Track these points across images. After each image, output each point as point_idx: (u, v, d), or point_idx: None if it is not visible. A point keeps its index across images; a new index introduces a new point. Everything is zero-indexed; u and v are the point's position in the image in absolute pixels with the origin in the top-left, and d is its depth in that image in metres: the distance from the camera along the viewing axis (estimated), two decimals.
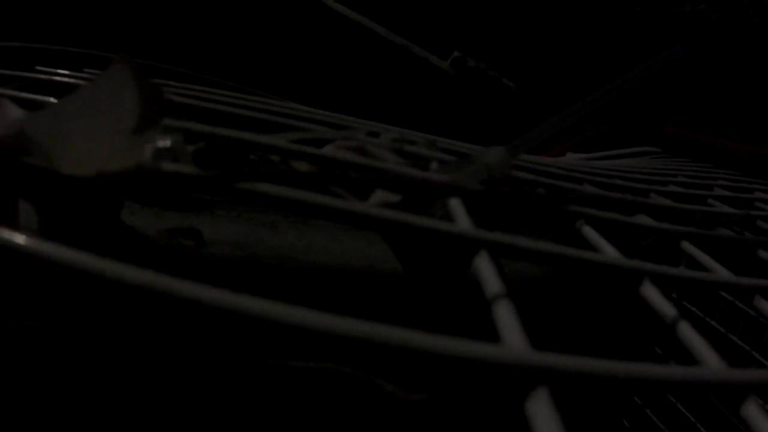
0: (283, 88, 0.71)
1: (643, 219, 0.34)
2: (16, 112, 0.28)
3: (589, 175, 0.39)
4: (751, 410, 0.18)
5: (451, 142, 0.38)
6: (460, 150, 0.36)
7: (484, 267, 0.20)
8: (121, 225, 0.36)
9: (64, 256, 0.17)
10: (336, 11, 1.04)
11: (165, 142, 0.25)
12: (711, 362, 0.21)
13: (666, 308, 0.24)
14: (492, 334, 0.18)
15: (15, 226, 0.28)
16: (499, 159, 0.26)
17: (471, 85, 1.04)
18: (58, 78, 0.41)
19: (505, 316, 0.18)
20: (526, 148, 0.28)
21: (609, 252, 0.26)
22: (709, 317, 0.66)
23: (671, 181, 0.48)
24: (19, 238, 0.17)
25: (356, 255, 0.51)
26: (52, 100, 0.33)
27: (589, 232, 0.27)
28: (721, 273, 0.30)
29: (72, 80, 0.40)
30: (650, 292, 0.24)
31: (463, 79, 1.03)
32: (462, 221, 0.22)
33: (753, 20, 1.20)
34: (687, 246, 0.33)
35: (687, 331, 0.23)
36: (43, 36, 0.53)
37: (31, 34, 0.53)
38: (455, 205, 0.23)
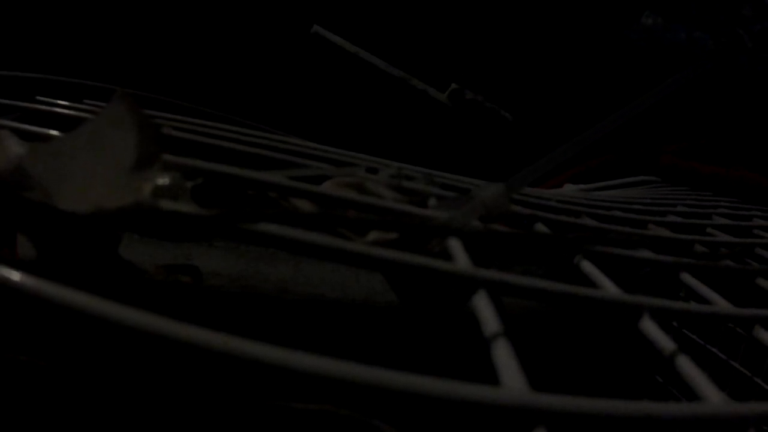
0: (281, 120, 0.72)
1: (642, 252, 0.34)
2: (16, 147, 0.28)
3: (588, 208, 0.39)
4: None
5: (449, 176, 0.38)
6: (459, 185, 0.36)
7: (482, 306, 0.20)
8: (119, 259, 0.36)
9: (64, 297, 0.17)
10: (333, 43, 1.04)
11: (164, 180, 0.25)
12: (711, 397, 0.21)
13: (665, 343, 0.24)
14: (491, 369, 0.18)
15: (14, 256, 0.28)
16: (496, 195, 0.26)
17: (469, 117, 1.04)
18: (58, 109, 0.41)
19: (504, 356, 0.18)
20: (524, 183, 0.28)
21: (608, 287, 0.26)
22: (710, 344, 0.65)
23: (670, 211, 0.49)
24: (17, 276, 0.17)
25: (355, 287, 0.51)
26: (52, 132, 0.34)
27: (587, 266, 0.27)
28: (721, 304, 0.30)
29: (72, 112, 0.40)
30: (649, 328, 0.25)
31: (461, 111, 1.04)
32: (460, 259, 0.22)
33: (748, 45, 1.20)
34: (686, 277, 0.33)
35: (687, 366, 0.23)
36: (43, 65, 0.54)
37: (31, 63, 0.53)
38: (453, 242, 0.23)
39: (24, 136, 0.31)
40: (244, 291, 0.48)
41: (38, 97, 0.45)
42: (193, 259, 0.49)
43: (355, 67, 1.06)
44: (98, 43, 1.10)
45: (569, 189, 0.61)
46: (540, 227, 0.30)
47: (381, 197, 0.28)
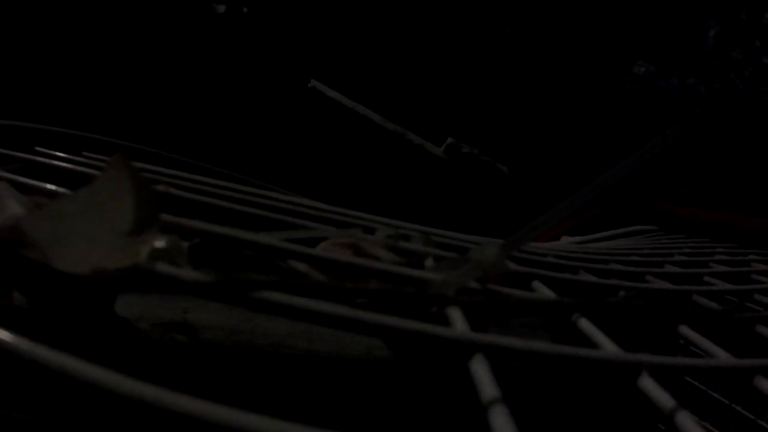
0: (277, 173, 0.72)
1: (640, 304, 0.34)
2: (14, 205, 0.29)
3: (585, 262, 0.39)
4: None
5: (446, 234, 0.38)
6: (456, 243, 0.36)
7: (480, 371, 0.21)
8: (114, 316, 0.35)
9: (58, 362, 0.17)
10: (331, 98, 1.06)
11: (161, 242, 0.25)
12: None
13: (665, 400, 0.24)
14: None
15: (9, 302, 0.28)
16: (494, 257, 0.26)
17: (465, 171, 1.05)
18: (56, 162, 0.41)
19: (501, 424, 0.18)
20: (521, 244, 0.28)
21: (607, 346, 0.26)
22: (712, 389, 0.65)
23: (667, 261, 0.49)
24: (11, 338, 0.17)
25: (353, 342, 0.50)
26: (49, 186, 0.34)
27: (585, 324, 0.27)
28: (721, 356, 0.30)
29: (70, 165, 0.41)
30: (649, 385, 0.24)
31: (457, 165, 1.05)
32: (457, 323, 0.22)
33: (740, 88, 1.22)
34: (685, 330, 0.33)
35: (687, 423, 0.23)
36: (43, 116, 0.54)
37: (31, 113, 0.53)
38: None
39: (22, 188, 0.32)
40: (240, 345, 0.48)
41: (37, 148, 0.45)
42: (190, 311, 0.49)
43: (352, 122, 1.07)
44: (103, 95, 1.11)
45: (566, 241, 0.61)
46: (537, 285, 0.30)
47: (377, 258, 0.28)
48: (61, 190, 0.33)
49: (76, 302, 0.27)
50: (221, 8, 1.25)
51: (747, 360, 0.29)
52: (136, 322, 0.41)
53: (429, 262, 0.30)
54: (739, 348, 0.33)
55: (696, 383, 0.67)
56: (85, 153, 0.47)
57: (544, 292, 0.30)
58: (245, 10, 1.26)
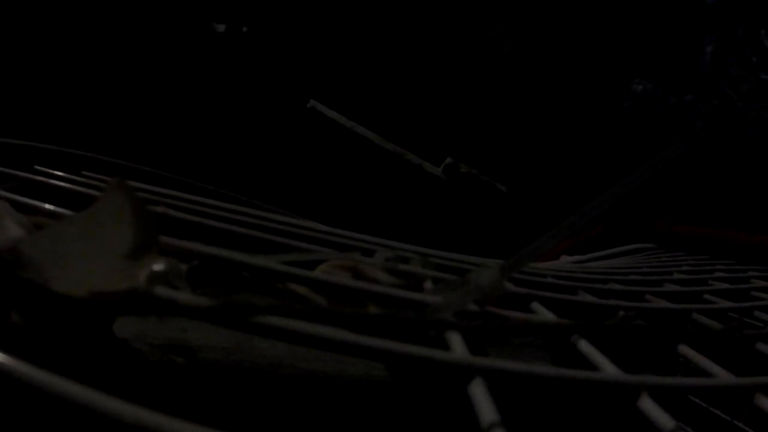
0: (276, 193, 0.72)
1: (640, 325, 0.34)
2: (13, 228, 0.29)
3: (584, 282, 0.39)
4: None
5: (444, 255, 0.38)
6: (454, 265, 0.36)
7: (479, 394, 0.21)
8: (112, 337, 0.35)
9: (56, 386, 0.17)
10: (330, 118, 1.06)
11: (159, 266, 0.25)
12: None
13: (665, 421, 0.24)
14: None
15: (8, 320, 0.28)
16: (492, 280, 0.26)
17: (464, 191, 1.05)
18: (54, 182, 0.41)
19: None
20: (520, 266, 0.28)
21: (606, 368, 0.26)
22: (713, 406, 0.65)
23: (667, 279, 0.49)
24: (7, 361, 0.17)
25: (351, 362, 0.50)
26: (47, 206, 0.34)
27: (584, 346, 0.27)
28: (720, 375, 0.30)
29: (68, 185, 0.41)
30: (648, 406, 0.24)
31: (456, 185, 1.05)
32: (457, 347, 0.22)
33: (738, 105, 1.22)
34: (684, 349, 0.33)
35: None
36: (43, 134, 0.54)
37: (31, 132, 0.53)
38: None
39: (21, 208, 0.32)
40: (239, 365, 0.48)
41: (36, 167, 0.45)
42: (188, 331, 0.49)
43: (351, 142, 1.07)
44: (102, 114, 1.12)
45: (565, 261, 0.61)
46: (537, 307, 0.30)
47: (376, 281, 0.29)
48: (59, 210, 0.33)
49: (73, 323, 0.27)
50: (221, 28, 1.25)
51: (746, 378, 0.29)
52: (134, 342, 0.41)
53: (428, 285, 0.30)
54: (740, 364, 0.33)
55: (697, 400, 0.67)
56: (84, 172, 0.48)
57: (544, 313, 0.30)
58: (245, 29, 1.26)
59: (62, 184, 0.41)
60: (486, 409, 0.20)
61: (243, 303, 0.23)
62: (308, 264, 0.30)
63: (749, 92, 1.23)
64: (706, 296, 0.47)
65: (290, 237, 0.36)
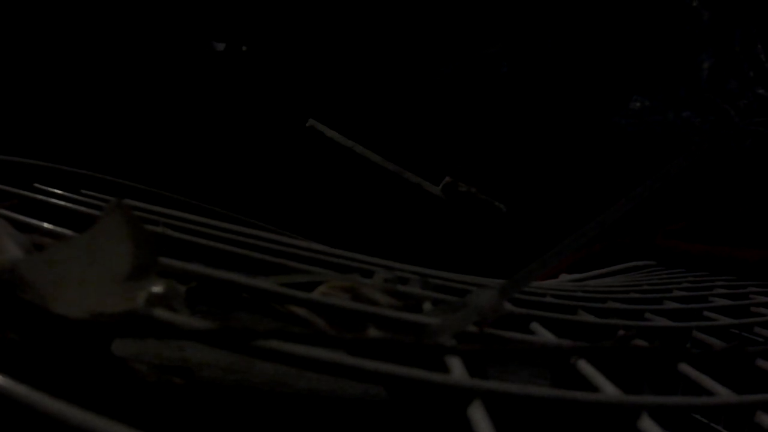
0: (274, 212, 0.72)
1: (640, 344, 0.34)
2: (11, 248, 0.29)
3: (584, 301, 0.39)
4: None
5: (444, 275, 0.38)
6: (454, 286, 0.36)
7: (478, 417, 0.21)
8: (110, 356, 0.35)
9: (52, 408, 0.17)
10: (329, 137, 1.06)
11: (158, 287, 0.25)
12: None
13: None
14: None
15: (5, 339, 0.28)
16: (491, 302, 0.26)
17: (463, 209, 1.05)
18: (54, 200, 0.41)
19: None
20: (519, 287, 0.28)
21: (606, 388, 0.26)
22: (714, 422, 0.65)
23: (666, 296, 0.49)
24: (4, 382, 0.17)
25: (350, 381, 0.50)
26: (46, 225, 0.34)
27: (584, 366, 0.27)
28: (721, 393, 0.30)
29: (67, 204, 0.41)
30: (649, 427, 0.24)
31: (455, 203, 1.05)
32: (456, 369, 0.22)
33: (735, 121, 1.22)
34: (685, 368, 0.33)
35: None
36: (42, 151, 0.54)
37: (30, 149, 0.54)
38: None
39: (20, 226, 0.32)
40: (238, 384, 0.48)
41: (36, 185, 0.45)
42: (187, 349, 0.49)
43: (350, 161, 1.08)
44: (101, 132, 1.12)
45: (564, 279, 0.61)
46: (536, 327, 0.30)
47: (375, 303, 0.29)
48: (58, 229, 0.33)
49: (71, 343, 0.27)
50: (220, 46, 1.26)
51: (747, 396, 0.29)
52: (132, 361, 0.41)
53: (427, 306, 0.30)
54: (741, 380, 0.33)
55: (698, 416, 0.67)
56: (83, 191, 0.48)
57: (543, 334, 0.30)
58: (244, 48, 1.27)
59: (61, 203, 0.41)
60: (485, 431, 0.20)
61: (242, 326, 0.23)
62: (307, 285, 0.30)
63: (747, 107, 1.24)
64: (707, 313, 0.47)
65: (289, 258, 0.36)
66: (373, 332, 0.26)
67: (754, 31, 1.27)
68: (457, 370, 0.22)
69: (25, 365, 0.26)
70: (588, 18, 1.26)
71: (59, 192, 0.45)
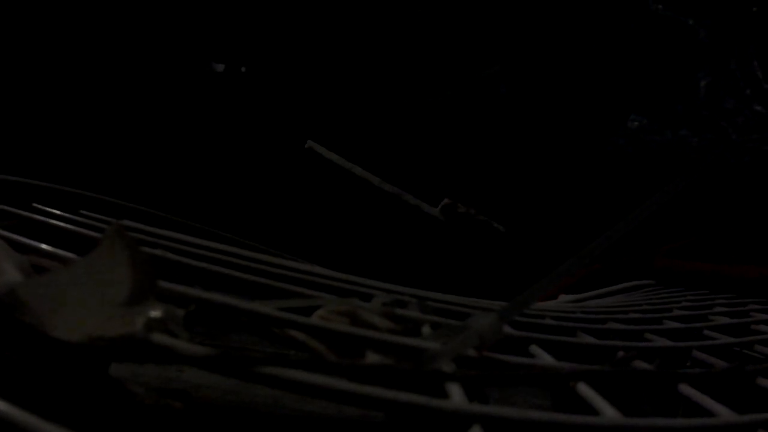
0: (274, 235, 0.72)
1: (640, 366, 0.34)
2: (11, 271, 0.29)
3: (583, 323, 0.39)
4: None
5: (442, 297, 0.38)
6: (452, 308, 0.36)
7: None
8: (108, 377, 0.35)
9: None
10: (328, 159, 1.06)
11: (156, 312, 0.25)
12: None
13: None
14: None
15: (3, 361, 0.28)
16: (490, 326, 0.26)
17: (462, 230, 1.05)
18: (52, 221, 0.41)
19: None
20: (518, 311, 0.28)
21: (606, 411, 0.26)
22: None
23: (666, 316, 0.49)
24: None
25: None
26: (45, 246, 0.34)
27: (584, 389, 0.27)
28: (722, 414, 0.30)
29: (66, 225, 0.41)
30: None
31: (453, 225, 1.05)
32: (455, 394, 0.22)
33: (732, 138, 1.22)
34: (685, 389, 0.33)
35: None
36: (42, 171, 0.54)
37: (30, 169, 0.54)
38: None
39: (19, 247, 0.32)
40: (236, 405, 0.48)
41: (35, 205, 0.45)
42: (184, 370, 0.49)
43: (349, 183, 1.08)
44: (101, 153, 1.12)
45: (564, 300, 0.61)
46: (536, 350, 0.30)
47: (374, 327, 0.29)
48: (57, 250, 0.34)
49: (69, 365, 0.27)
50: (220, 67, 1.26)
51: (747, 416, 0.29)
52: (130, 383, 0.41)
53: (426, 330, 0.30)
54: (741, 399, 0.33)
55: None
56: (82, 211, 0.48)
57: (543, 357, 0.30)
58: (243, 69, 1.27)
59: (60, 223, 0.41)
60: None
61: (240, 352, 0.23)
62: (306, 309, 0.30)
63: (744, 124, 1.24)
64: (707, 332, 0.47)
65: (288, 281, 0.36)
66: (371, 357, 0.26)
67: (751, 49, 1.27)
68: (456, 395, 0.22)
69: (23, 387, 0.26)
70: (585, 39, 1.27)
71: (58, 212, 0.45)
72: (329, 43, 1.26)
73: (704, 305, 0.58)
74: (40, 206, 0.45)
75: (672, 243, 0.80)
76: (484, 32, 1.27)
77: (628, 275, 0.73)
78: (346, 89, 1.25)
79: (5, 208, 0.41)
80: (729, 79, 1.27)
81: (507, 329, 0.32)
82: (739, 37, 1.27)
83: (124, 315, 0.25)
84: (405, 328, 0.29)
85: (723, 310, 0.56)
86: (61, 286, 0.26)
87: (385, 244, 1.10)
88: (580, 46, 1.26)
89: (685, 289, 0.68)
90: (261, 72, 1.28)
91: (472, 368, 0.25)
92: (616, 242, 0.30)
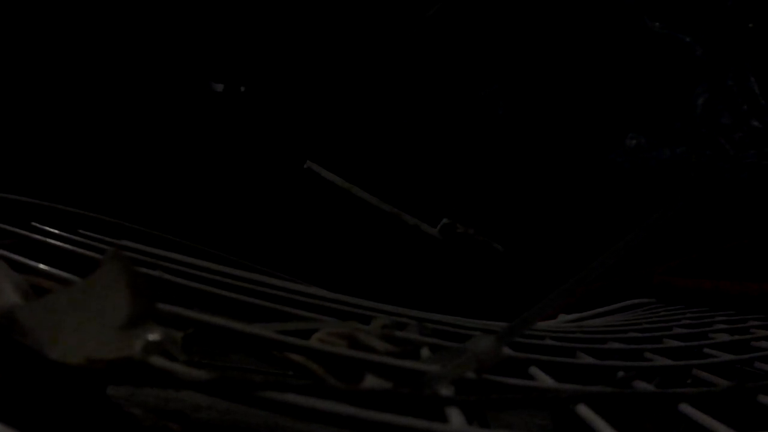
0: (272, 255, 0.72)
1: (641, 385, 0.34)
2: (10, 292, 0.29)
3: (583, 343, 0.39)
4: None
5: (441, 319, 0.38)
6: (452, 330, 0.36)
7: None
8: (106, 401, 0.35)
9: None
10: (326, 179, 1.07)
11: (155, 335, 0.25)
12: None
13: None
14: None
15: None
16: (489, 349, 0.26)
17: (461, 250, 1.05)
18: (51, 240, 0.41)
19: None
20: (516, 334, 0.28)
21: None
22: None
23: (666, 335, 0.49)
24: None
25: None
26: (44, 266, 0.34)
27: (584, 411, 0.27)
28: None
29: (64, 244, 0.41)
30: None
31: (452, 245, 1.05)
32: (454, 418, 0.22)
33: (730, 153, 1.22)
34: (686, 408, 0.32)
35: None
36: (41, 189, 0.54)
37: (29, 187, 0.54)
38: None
39: (17, 267, 0.32)
40: (235, 424, 0.48)
41: (33, 224, 0.45)
42: (182, 391, 0.49)
43: (347, 203, 1.08)
44: (100, 172, 1.12)
45: (563, 319, 0.61)
46: (535, 372, 0.30)
47: (373, 349, 0.28)
48: (55, 270, 0.33)
49: (67, 387, 0.27)
50: (219, 87, 1.27)
51: None
52: (127, 403, 0.41)
53: (425, 352, 0.30)
54: (741, 416, 0.33)
55: None
56: (80, 230, 0.48)
57: (542, 378, 0.30)
58: (243, 89, 1.28)
59: (59, 243, 0.41)
60: None
61: (239, 376, 0.23)
62: (305, 331, 0.30)
63: (742, 140, 1.24)
64: (707, 350, 0.47)
65: (287, 303, 0.36)
66: (370, 380, 0.26)
67: (747, 65, 1.28)
68: (455, 418, 0.22)
69: (22, 409, 0.26)
70: (583, 57, 1.27)
71: (56, 232, 0.45)
72: (328, 64, 1.27)
73: (704, 323, 0.58)
74: (38, 225, 0.45)
75: (671, 260, 0.80)
76: (481, 52, 1.27)
77: (628, 293, 0.73)
78: (345, 109, 1.25)
79: (4, 226, 0.41)
80: (726, 95, 1.27)
81: (506, 351, 0.32)
82: (736, 53, 1.28)
83: (122, 338, 0.25)
84: (404, 350, 0.29)
85: (723, 327, 0.56)
86: (60, 308, 0.26)
87: (384, 264, 1.10)
88: (577, 65, 1.27)
89: (685, 306, 0.68)
90: (260, 92, 1.28)
91: (472, 391, 0.24)
92: (615, 263, 0.30)
